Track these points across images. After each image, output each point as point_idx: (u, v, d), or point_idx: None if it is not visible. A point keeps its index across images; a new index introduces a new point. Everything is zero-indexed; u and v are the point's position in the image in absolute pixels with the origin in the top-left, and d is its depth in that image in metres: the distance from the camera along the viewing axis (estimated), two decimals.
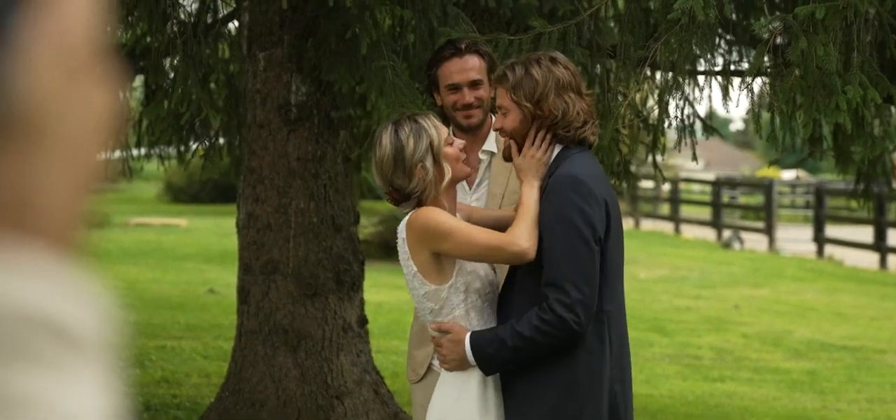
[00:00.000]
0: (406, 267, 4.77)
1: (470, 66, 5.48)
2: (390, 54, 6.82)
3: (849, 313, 18.68)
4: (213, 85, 8.85)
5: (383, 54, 6.80)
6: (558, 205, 4.52)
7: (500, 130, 4.73)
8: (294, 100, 7.93)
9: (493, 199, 5.55)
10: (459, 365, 4.64)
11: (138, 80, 9.71)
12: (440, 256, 4.69)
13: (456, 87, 5.47)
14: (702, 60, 7.50)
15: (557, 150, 4.68)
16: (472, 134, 5.52)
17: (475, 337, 4.61)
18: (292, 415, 7.99)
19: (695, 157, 8.03)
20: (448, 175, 4.75)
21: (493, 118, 5.32)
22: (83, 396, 0.93)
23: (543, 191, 4.60)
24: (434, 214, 4.66)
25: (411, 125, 4.74)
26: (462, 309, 4.74)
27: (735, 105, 6.61)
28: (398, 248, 4.78)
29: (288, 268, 8.00)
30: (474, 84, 5.47)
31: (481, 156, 5.57)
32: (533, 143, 4.67)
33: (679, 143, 7.98)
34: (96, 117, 0.97)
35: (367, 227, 20.68)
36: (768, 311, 18.63)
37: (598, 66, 7.37)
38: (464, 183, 5.41)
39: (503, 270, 4.84)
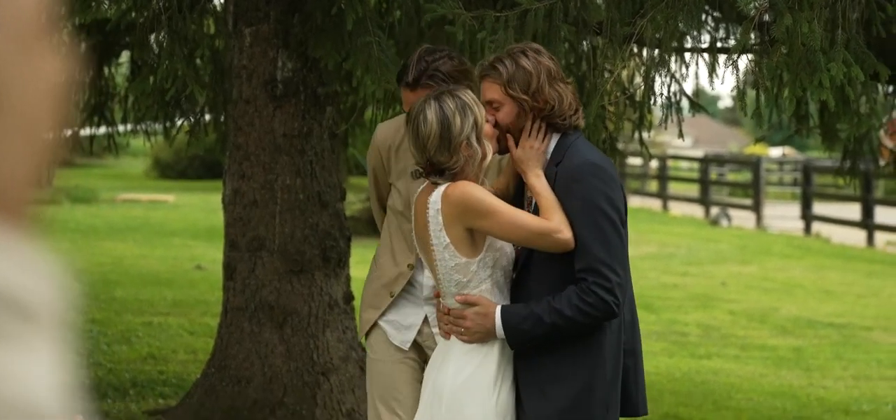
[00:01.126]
0: (437, 238, 4.74)
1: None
2: (376, 30, 6.80)
3: (836, 290, 18.72)
4: (198, 61, 8.82)
5: (369, 30, 6.78)
6: (584, 192, 4.56)
7: (495, 125, 4.70)
8: (280, 76, 7.92)
9: None
10: (482, 338, 4.67)
11: (124, 56, 9.69)
12: (473, 231, 4.69)
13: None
14: (688, 37, 7.48)
15: (555, 138, 4.70)
16: None
17: (507, 312, 4.63)
18: (278, 391, 7.98)
19: (681, 134, 8.02)
20: (489, 154, 4.77)
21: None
22: (37, 368, 0.92)
23: (550, 179, 4.63)
24: (476, 191, 4.66)
25: (456, 101, 4.73)
26: (488, 283, 4.76)
27: (721, 82, 6.62)
28: (429, 218, 4.75)
29: (274, 244, 7.99)
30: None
31: None
32: (530, 135, 4.68)
33: (665, 120, 7.97)
34: (49, 90, 0.96)
35: (354, 204, 20.66)
36: (755, 288, 18.67)
37: (585, 42, 7.36)
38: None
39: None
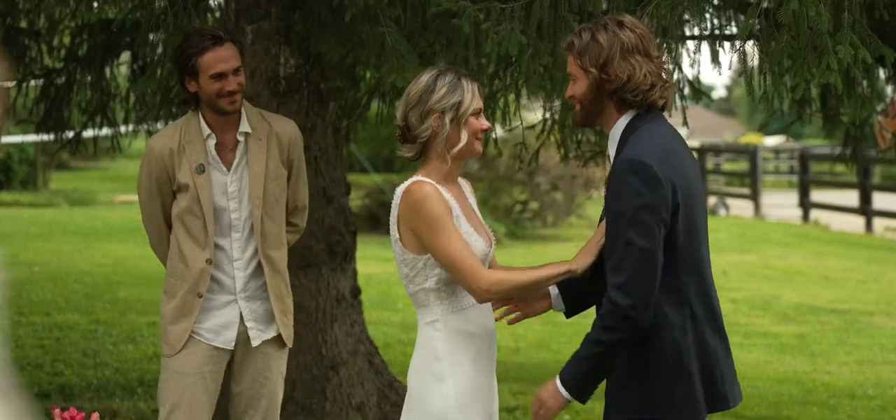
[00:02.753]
0: (391, 228, 4.82)
1: (232, 54, 5.78)
2: (387, 21, 6.80)
3: (836, 277, 18.75)
4: None
5: (380, 21, 6.78)
6: (616, 192, 4.46)
7: (571, 97, 4.66)
8: (283, 72, 7.91)
9: (255, 177, 5.84)
10: (559, 409, 4.60)
11: (125, 56, 9.68)
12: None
13: (221, 76, 5.72)
14: (695, 27, 7.50)
15: (629, 116, 4.59)
16: (228, 117, 5.81)
17: (564, 374, 4.56)
18: (287, 386, 7.94)
19: (686, 122, 8.04)
20: (461, 142, 4.78)
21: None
22: None
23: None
24: (432, 203, 4.70)
25: (452, 78, 4.78)
26: (433, 281, 4.78)
27: (728, 68, 6.60)
28: (392, 206, 4.82)
29: None
30: (236, 71, 5.77)
31: (238, 137, 5.85)
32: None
33: (669, 109, 7.97)
34: None
35: (353, 200, 20.67)
36: (756, 276, 18.70)
37: None
38: (221, 165, 5.75)
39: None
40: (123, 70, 10.37)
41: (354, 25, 6.98)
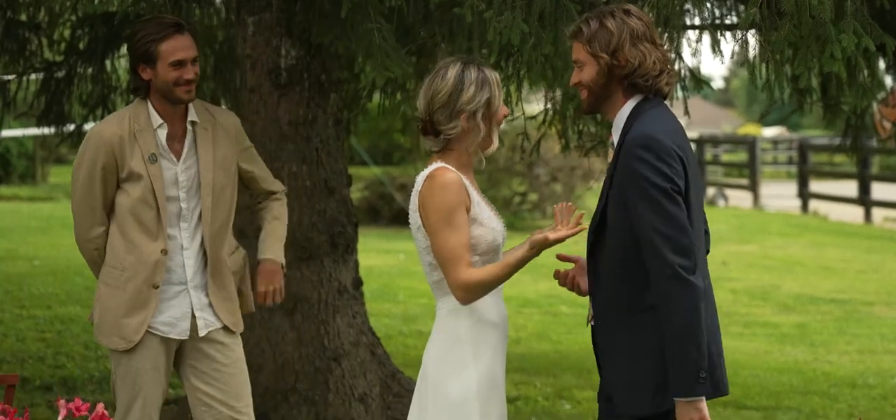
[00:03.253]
0: (412, 216, 4.82)
1: (191, 43, 5.76)
2: (377, 17, 6.80)
3: (835, 267, 18.76)
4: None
5: (370, 17, 6.78)
6: (631, 168, 4.48)
7: (578, 84, 4.68)
8: (284, 64, 7.92)
9: (205, 166, 5.81)
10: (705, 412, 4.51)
11: (126, 49, 9.68)
12: None
13: (181, 63, 5.69)
14: (696, 16, 7.51)
15: (634, 102, 4.63)
16: (179, 107, 5.79)
17: (672, 386, 4.49)
18: (290, 378, 8.00)
19: (687, 112, 8.04)
20: (494, 142, 4.87)
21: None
22: None
23: (620, 147, 4.58)
24: (450, 193, 4.72)
25: (478, 73, 4.79)
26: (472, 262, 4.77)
27: (730, 57, 6.60)
28: (412, 194, 4.82)
29: None
30: (194, 60, 5.76)
31: (188, 125, 5.83)
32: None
33: (671, 99, 7.99)
34: None
35: (353, 193, 20.67)
36: (756, 266, 18.71)
37: None
38: (171, 155, 5.74)
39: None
40: (124, 63, 10.36)
41: (349, 19, 6.97)
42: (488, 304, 4.84)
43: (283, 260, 6.08)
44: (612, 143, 4.72)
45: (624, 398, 4.64)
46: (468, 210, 4.78)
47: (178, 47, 5.68)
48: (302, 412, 7.97)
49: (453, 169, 4.78)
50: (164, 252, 5.75)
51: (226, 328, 5.94)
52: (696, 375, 4.43)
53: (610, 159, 4.78)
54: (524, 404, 9.60)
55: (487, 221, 4.83)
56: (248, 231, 8.02)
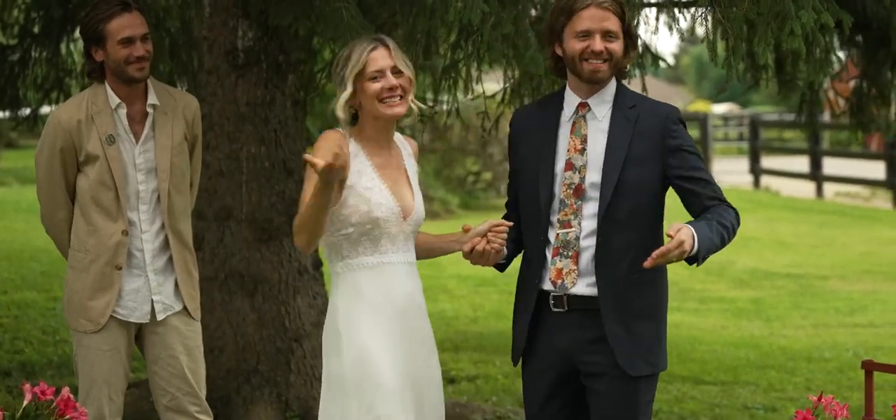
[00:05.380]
0: None
1: (139, 21, 5.77)
2: None
3: (789, 242, 18.90)
4: (157, 33, 8.78)
5: None
6: (679, 134, 4.91)
7: (610, 58, 4.88)
8: (241, 45, 7.89)
9: (163, 150, 5.83)
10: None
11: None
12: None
13: (129, 40, 5.70)
14: None
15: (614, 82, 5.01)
16: (136, 87, 5.80)
17: (702, 247, 4.73)
18: (252, 359, 8.00)
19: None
20: (375, 107, 5.03)
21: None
22: None
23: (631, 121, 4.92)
24: (317, 145, 4.98)
25: (354, 44, 5.10)
26: (332, 232, 5.02)
27: (689, 34, 6.65)
28: None
29: (241, 213, 7.98)
30: (144, 37, 5.76)
31: (148, 109, 5.84)
32: None
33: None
34: None
35: None
36: None
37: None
38: (131, 136, 5.77)
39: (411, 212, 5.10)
40: (80, 46, 10.30)
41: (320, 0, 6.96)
42: (367, 279, 5.00)
43: None
44: (595, 114, 4.94)
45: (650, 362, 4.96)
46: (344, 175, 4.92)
47: (125, 24, 5.70)
48: (264, 393, 7.96)
49: (341, 131, 5.02)
50: (125, 233, 5.76)
51: (185, 311, 5.95)
52: (705, 253, 4.78)
53: (586, 129, 4.94)
54: (484, 383, 9.64)
55: (367, 193, 4.97)
56: (206, 213, 8.02)
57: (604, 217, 4.86)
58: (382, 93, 4.99)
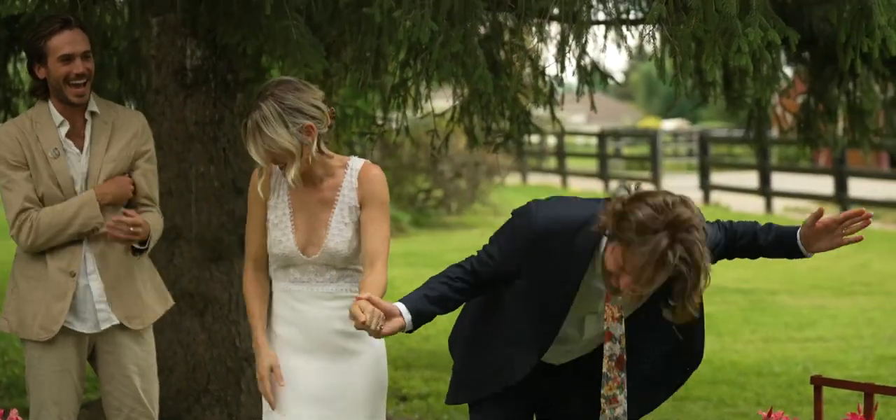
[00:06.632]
0: None
1: (80, 38, 5.77)
2: (293, 13, 6.79)
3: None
4: (105, 52, 8.75)
5: (287, 13, 6.77)
6: None
7: None
8: (189, 64, 7.88)
9: (95, 158, 5.82)
10: None
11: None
12: None
13: (69, 58, 5.70)
14: (599, 11, 7.58)
15: None
16: (78, 106, 5.80)
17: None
18: (202, 379, 7.97)
19: (593, 107, 8.12)
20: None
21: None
22: None
23: None
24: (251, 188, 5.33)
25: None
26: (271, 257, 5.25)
27: (637, 52, 6.70)
28: None
29: (191, 233, 7.96)
30: (85, 55, 5.75)
31: (86, 116, 5.85)
32: None
33: (578, 93, 8.07)
34: None
35: None
36: None
37: (499, 18, 7.42)
38: (75, 148, 5.79)
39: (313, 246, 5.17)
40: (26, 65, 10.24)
41: (263, 17, 6.95)
42: (282, 301, 5.22)
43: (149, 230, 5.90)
44: None
45: None
46: (266, 211, 5.20)
47: (65, 42, 5.69)
48: (214, 413, 7.94)
49: (272, 171, 5.20)
50: (79, 241, 5.74)
51: (124, 326, 5.90)
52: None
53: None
54: (435, 401, 9.64)
55: (273, 228, 5.17)
56: None
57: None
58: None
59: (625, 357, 4.58)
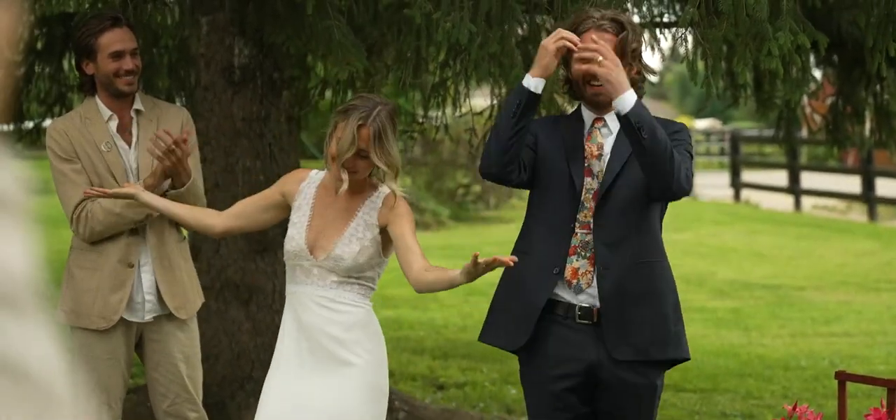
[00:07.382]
0: None
1: (129, 36, 5.95)
2: (336, 14, 7.00)
3: (768, 253, 19.10)
4: (155, 51, 9.00)
5: (329, 14, 6.97)
6: (689, 143, 5.25)
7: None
8: (237, 62, 8.08)
9: (144, 151, 5.95)
10: (615, 86, 4.87)
11: None
12: None
13: (119, 55, 5.88)
14: (635, 14, 7.76)
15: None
16: (126, 100, 5.98)
17: (636, 106, 4.90)
18: (246, 366, 8.19)
19: None
20: (335, 174, 5.31)
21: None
22: (9, 247, 1.11)
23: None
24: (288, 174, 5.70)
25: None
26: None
27: (668, 55, 6.89)
28: None
29: None
30: (133, 52, 5.94)
31: (132, 114, 6.02)
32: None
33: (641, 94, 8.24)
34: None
35: None
36: (691, 253, 18.98)
37: (536, 20, 7.58)
38: (123, 144, 5.98)
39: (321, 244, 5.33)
40: None
41: (307, 17, 7.17)
42: (288, 303, 5.51)
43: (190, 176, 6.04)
44: (604, 129, 5.15)
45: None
46: (290, 208, 5.45)
47: (115, 39, 5.86)
48: (257, 400, 8.14)
49: (312, 172, 5.52)
50: (135, 231, 5.94)
51: (173, 315, 6.07)
52: (639, 120, 4.92)
53: (602, 139, 5.15)
54: (472, 390, 9.83)
55: (290, 225, 5.40)
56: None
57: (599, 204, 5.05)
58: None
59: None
